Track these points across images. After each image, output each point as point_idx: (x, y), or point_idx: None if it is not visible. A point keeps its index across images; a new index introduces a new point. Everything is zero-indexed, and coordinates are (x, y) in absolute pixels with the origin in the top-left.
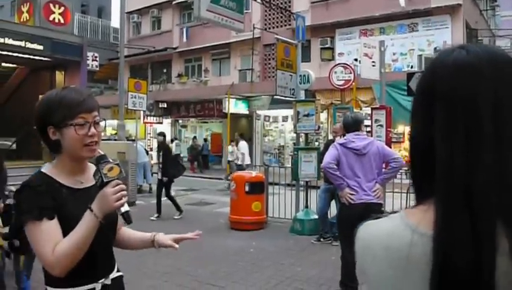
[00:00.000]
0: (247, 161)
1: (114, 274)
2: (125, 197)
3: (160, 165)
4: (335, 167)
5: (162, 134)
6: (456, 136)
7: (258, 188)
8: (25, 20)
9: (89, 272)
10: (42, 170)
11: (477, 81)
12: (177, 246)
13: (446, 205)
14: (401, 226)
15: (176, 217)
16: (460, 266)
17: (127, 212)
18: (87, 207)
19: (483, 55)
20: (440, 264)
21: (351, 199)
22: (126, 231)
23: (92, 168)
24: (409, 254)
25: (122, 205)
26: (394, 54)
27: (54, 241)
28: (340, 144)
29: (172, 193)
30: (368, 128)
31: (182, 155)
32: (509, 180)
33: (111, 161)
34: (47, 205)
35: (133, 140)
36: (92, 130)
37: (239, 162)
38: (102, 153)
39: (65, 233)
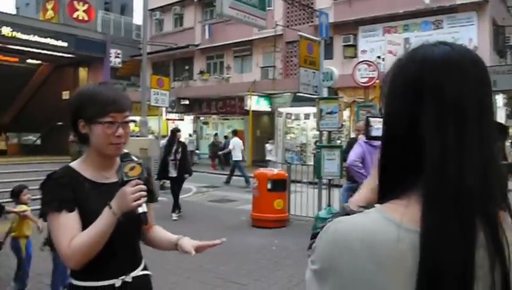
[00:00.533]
0: (237, 157)
1: (138, 272)
2: (144, 198)
3: (176, 162)
4: (360, 165)
5: (179, 130)
6: (446, 132)
7: (280, 185)
8: (49, 17)
9: (108, 267)
10: (70, 164)
11: (463, 79)
12: (194, 253)
13: (436, 203)
14: (381, 221)
15: (174, 218)
16: (449, 263)
17: (144, 213)
18: (106, 203)
19: (466, 54)
20: (429, 260)
21: None
22: (158, 232)
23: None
24: (396, 249)
25: (140, 205)
26: None
27: (71, 234)
28: (366, 142)
29: (194, 190)
30: None
31: (197, 152)
32: (490, 181)
33: (134, 159)
34: (67, 197)
35: (158, 137)
36: (120, 130)
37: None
38: (126, 151)
39: (85, 226)
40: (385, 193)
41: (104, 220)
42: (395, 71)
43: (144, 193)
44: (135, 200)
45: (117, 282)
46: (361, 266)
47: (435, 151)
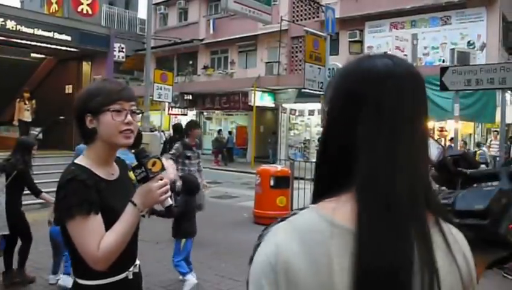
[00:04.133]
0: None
1: (137, 262)
2: (169, 191)
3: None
4: None
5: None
6: (381, 143)
7: (283, 182)
8: (54, 11)
9: (122, 261)
10: (78, 162)
11: (402, 92)
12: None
13: (369, 208)
14: (316, 218)
15: None
16: (381, 263)
17: (170, 205)
18: (129, 200)
19: (406, 67)
20: (364, 257)
21: None
22: None
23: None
24: (330, 246)
25: (167, 199)
26: (425, 47)
27: (100, 237)
28: None
29: None
30: None
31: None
32: (416, 188)
33: (151, 155)
34: (95, 199)
35: (163, 131)
36: (129, 117)
37: None
38: (141, 147)
39: (105, 226)
40: (320, 194)
41: (129, 217)
42: (338, 80)
43: (169, 187)
44: (162, 195)
45: (129, 274)
46: (307, 267)
47: (369, 162)
